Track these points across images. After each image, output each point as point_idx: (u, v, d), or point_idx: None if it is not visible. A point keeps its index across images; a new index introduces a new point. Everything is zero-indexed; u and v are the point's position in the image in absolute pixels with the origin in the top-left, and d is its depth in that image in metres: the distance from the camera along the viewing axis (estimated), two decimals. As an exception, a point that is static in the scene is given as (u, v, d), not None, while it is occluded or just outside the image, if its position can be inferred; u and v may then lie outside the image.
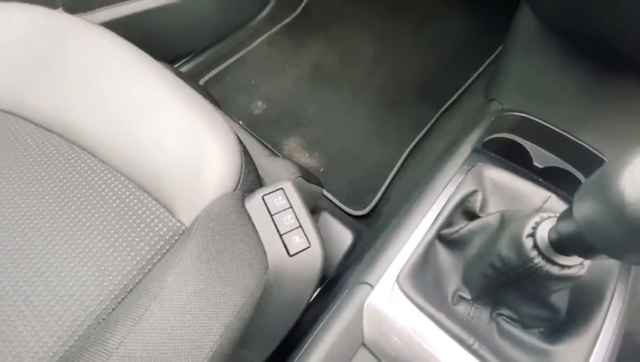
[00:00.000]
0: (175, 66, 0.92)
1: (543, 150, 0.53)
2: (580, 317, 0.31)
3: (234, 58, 0.96)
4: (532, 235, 0.27)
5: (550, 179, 0.49)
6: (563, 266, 0.26)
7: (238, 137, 0.40)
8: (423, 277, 0.34)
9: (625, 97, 0.56)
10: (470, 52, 0.94)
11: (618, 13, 0.41)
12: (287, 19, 1.00)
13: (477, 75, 0.90)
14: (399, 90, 0.91)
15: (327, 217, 0.64)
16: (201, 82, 0.94)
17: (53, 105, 0.39)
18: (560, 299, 0.30)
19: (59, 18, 0.45)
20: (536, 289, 0.29)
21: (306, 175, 0.53)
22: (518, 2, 0.61)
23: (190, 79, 0.90)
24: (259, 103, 0.89)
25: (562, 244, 0.24)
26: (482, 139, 0.53)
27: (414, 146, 0.83)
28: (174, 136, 0.36)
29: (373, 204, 0.76)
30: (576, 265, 0.25)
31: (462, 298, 0.35)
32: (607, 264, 0.33)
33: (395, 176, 0.80)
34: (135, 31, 0.75)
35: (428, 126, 0.84)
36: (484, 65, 0.91)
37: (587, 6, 0.44)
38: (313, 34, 0.99)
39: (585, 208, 0.20)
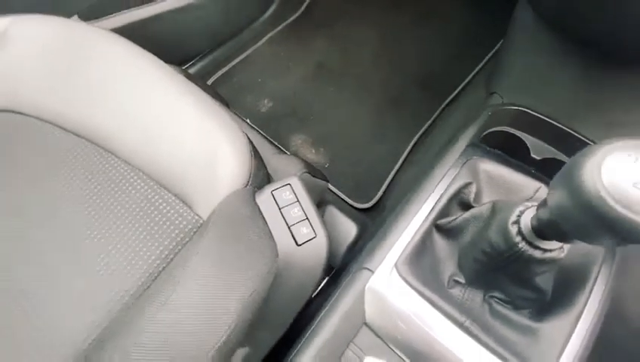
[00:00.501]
0: (184, 67, 0.95)
1: (540, 142, 0.55)
2: (565, 298, 0.34)
3: (240, 58, 0.98)
4: (517, 222, 0.29)
5: (547, 170, 0.52)
6: (544, 250, 0.28)
7: (247, 136, 0.43)
8: (420, 263, 0.37)
9: (621, 89, 0.57)
10: (472, 46, 0.96)
11: (615, 14, 0.43)
12: (291, 19, 1.03)
13: (479, 69, 0.91)
14: (402, 86, 0.93)
15: (332, 210, 0.67)
16: (210, 82, 0.97)
17: (79, 112, 0.42)
18: (545, 281, 0.32)
19: (77, 28, 0.48)
20: (523, 272, 0.31)
21: (312, 170, 0.56)
22: None
23: (199, 80, 0.93)
24: (265, 101, 0.92)
25: (542, 230, 0.27)
26: (480, 133, 0.56)
27: (417, 141, 0.85)
28: (189, 137, 0.40)
29: (377, 197, 0.79)
30: (556, 249, 0.28)
31: (457, 282, 0.38)
32: (592, 249, 0.36)
33: (398, 170, 0.82)
34: (146, 35, 0.78)
35: (430, 121, 0.86)
36: (485, 59, 0.93)
37: (585, 7, 0.45)
38: (317, 32, 1.01)
39: (555, 197, 0.23)
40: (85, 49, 0.46)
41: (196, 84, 0.46)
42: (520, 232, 0.29)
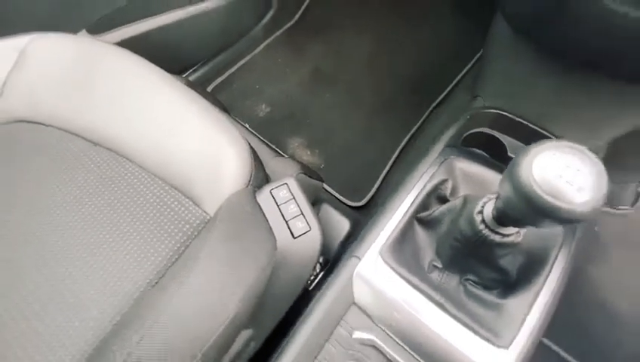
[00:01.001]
0: (185, 75, 1.00)
1: (516, 142, 0.60)
2: (527, 278, 0.38)
3: (238, 65, 1.03)
4: (481, 212, 0.34)
5: None
6: (503, 235, 0.33)
7: (247, 140, 0.48)
8: (403, 251, 0.42)
9: (589, 92, 0.63)
10: (459, 51, 1.01)
11: (580, 32, 0.48)
12: (287, 26, 1.08)
13: (464, 74, 0.97)
14: (393, 90, 0.98)
15: (327, 208, 0.72)
16: (210, 89, 1.02)
17: (94, 121, 0.47)
18: (509, 263, 0.37)
19: (89, 45, 0.53)
20: (489, 255, 0.36)
21: (308, 171, 0.61)
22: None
23: (199, 87, 0.98)
24: (263, 106, 0.97)
25: (500, 217, 0.32)
26: (459, 134, 0.61)
27: (407, 142, 0.90)
28: (195, 142, 0.44)
29: (369, 195, 0.84)
30: (513, 234, 0.33)
31: (435, 267, 0.43)
32: (552, 234, 0.41)
33: (389, 170, 0.87)
34: (148, 47, 0.83)
35: (419, 123, 0.91)
36: (470, 64, 0.98)
37: (553, 26, 0.51)
38: (312, 38, 1.06)
39: (503, 189, 0.28)
40: (97, 64, 0.50)
41: (197, 91, 0.50)
42: (483, 221, 0.34)
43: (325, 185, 0.85)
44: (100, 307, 0.37)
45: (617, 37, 0.44)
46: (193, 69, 1.00)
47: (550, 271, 0.38)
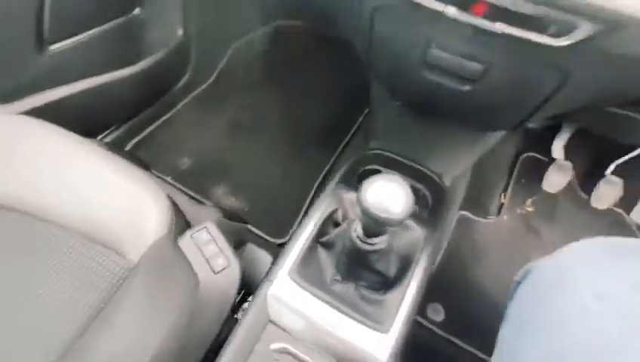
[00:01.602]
0: (103, 136, 1.02)
1: (396, 173, 0.76)
2: (400, 277, 0.50)
3: (157, 123, 1.09)
4: (355, 230, 0.46)
5: None
6: (372, 244, 0.45)
7: (168, 192, 0.54)
8: (308, 270, 0.51)
9: (448, 134, 0.82)
10: (356, 102, 1.20)
11: (423, 96, 0.66)
12: (203, 86, 1.18)
13: (361, 121, 1.16)
14: (305, 137, 1.12)
15: (251, 247, 0.79)
16: (129, 146, 1.05)
17: (17, 189, 0.50)
18: (383, 266, 0.49)
19: (4, 119, 0.56)
20: (367, 262, 0.47)
21: (229, 215, 0.69)
22: None
23: (118, 148, 1.01)
24: (185, 160, 1.03)
25: (364, 231, 0.43)
26: (354, 171, 0.74)
27: (321, 181, 1.03)
28: (114, 199, 0.49)
29: (292, 231, 0.93)
30: (377, 243, 0.45)
31: (336, 280, 0.52)
32: (415, 240, 0.54)
33: (308, 207, 0.98)
34: (63, 113, 0.85)
35: (328, 166, 1.05)
36: (365, 113, 1.18)
37: (405, 91, 0.69)
38: (228, 96, 1.18)
39: (359, 208, 0.39)
40: (15, 137, 0.54)
41: (114, 152, 0.56)
42: (357, 236, 0.45)
43: (251, 227, 0.93)
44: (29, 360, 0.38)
45: (447, 99, 0.62)
46: (111, 129, 1.03)
47: (414, 271, 0.51)
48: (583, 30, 0.37)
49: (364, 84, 0.88)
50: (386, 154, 0.76)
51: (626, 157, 0.95)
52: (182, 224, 0.54)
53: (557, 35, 0.39)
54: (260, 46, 1.33)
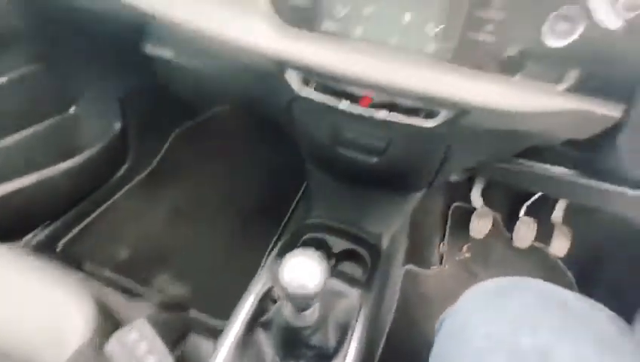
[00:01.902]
0: (34, 233, 0.96)
1: (338, 240, 0.80)
2: (338, 347, 0.51)
3: (95, 214, 1.06)
4: (287, 306, 0.47)
5: (345, 259, 0.76)
6: (301, 319, 0.46)
7: (98, 292, 0.53)
8: (247, 357, 0.51)
9: (376, 197, 0.90)
10: (296, 177, 1.27)
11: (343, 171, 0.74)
12: (144, 174, 1.19)
13: (301, 193, 1.22)
14: (247, 216, 1.15)
15: (194, 337, 0.75)
16: (62, 242, 1.00)
17: None
18: (319, 340, 0.50)
19: None
20: (302, 338, 0.48)
21: (168, 306, 0.67)
22: None
23: (49, 245, 0.96)
24: (123, 250, 0.99)
25: (293, 306, 0.45)
26: (296, 240, 0.77)
27: (268, 257, 1.04)
28: (34, 309, 0.47)
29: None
30: (308, 316, 0.46)
31: (278, 358, 0.52)
32: (351, 308, 0.56)
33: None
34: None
35: (273, 242, 1.07)
36: (304, 185, 1.24)
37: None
38: (169, 183, 1.19)
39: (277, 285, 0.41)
40: None
41: (41, 255, 0.54)
42: (289, 312, 0.47)
43: (197, 312, 0.89)
44: None
45: (362, 169, 0.69)
46: (43, 225, 0.98)
47: (351, 338, 0.52)
48: (443, 115, 0.46)
49: (302, 157, 0.95)
50: (325, 222, 0.81)
51: (531, 200, 1.09)
52: (111, 326, 0.52)
53: (427, 117, 0.48)
54: (200, 130, 1.40)
